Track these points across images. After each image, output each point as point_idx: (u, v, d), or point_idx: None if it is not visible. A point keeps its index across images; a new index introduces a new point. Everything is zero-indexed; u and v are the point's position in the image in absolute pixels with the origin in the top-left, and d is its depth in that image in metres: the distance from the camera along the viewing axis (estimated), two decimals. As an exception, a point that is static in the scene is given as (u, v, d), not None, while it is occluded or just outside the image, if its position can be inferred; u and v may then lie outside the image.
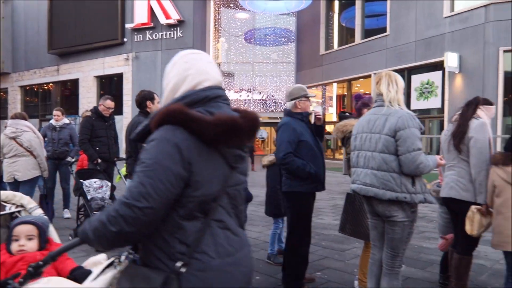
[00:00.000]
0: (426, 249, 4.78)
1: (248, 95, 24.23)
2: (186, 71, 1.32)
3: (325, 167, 3.39)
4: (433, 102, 14.92)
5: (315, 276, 3.74)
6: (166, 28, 17.76)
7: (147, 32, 18.03)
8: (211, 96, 1.29)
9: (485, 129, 2.89)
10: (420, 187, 2.45)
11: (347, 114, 3.50)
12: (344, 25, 21.00)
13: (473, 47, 13.45)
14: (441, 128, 14.74)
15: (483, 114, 3.03)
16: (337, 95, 22.14)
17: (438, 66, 14.25)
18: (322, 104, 21.56)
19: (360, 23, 18.81)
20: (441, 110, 14.76)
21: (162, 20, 17.54)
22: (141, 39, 18.19)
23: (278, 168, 3.87)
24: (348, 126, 3.40)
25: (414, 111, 15.91)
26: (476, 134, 2.87)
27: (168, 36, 17.66)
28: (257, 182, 9.33)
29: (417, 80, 15.60)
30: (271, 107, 23.94)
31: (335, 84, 21.56)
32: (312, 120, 3.43)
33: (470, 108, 3.05)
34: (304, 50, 22.79)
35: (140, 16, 18.16)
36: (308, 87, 18.42)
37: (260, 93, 23.84)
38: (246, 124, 1.23)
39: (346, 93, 20.78)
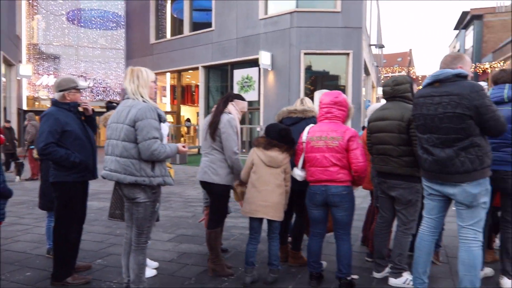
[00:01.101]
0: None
1: (72, 82, 22.13)
2: None
3: (96, 156, 3.48)
4: (252, 95, 16.49)
5: (92, 263, 3.82)
6: (-43, -4, 14.71)
7: None
8: None
9: (232, 124, 3.42)
10: (160, 171, 2.78)
11: (114, 104, 3.66)
12: (175, 16, 21.14)
13: (282, 48, 15.40)
14: (259, 119, 16.44)
15: (233, 109, 3.58)
16: (170, 85, 22.25)
17: (255, 63, 15.79)
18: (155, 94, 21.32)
19: (189, 16, 19.26)
20: (257, 102, 16.43)
21: (-50, -15, 14.42)
22: None
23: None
24: None
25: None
26: (225, 129, 3.37)
27: (-41, 6, 14.66)
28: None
29: (238, 74, 16.96)
30: (99, 95, 22.45)
31: (168, 74, 21.60)
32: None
33: (223, 102, 3.57)
34: (134, 38, 22.07)
35: None
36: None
37: (86, 80, 22.05)
38: None
39: (176, 84, 21.06)
